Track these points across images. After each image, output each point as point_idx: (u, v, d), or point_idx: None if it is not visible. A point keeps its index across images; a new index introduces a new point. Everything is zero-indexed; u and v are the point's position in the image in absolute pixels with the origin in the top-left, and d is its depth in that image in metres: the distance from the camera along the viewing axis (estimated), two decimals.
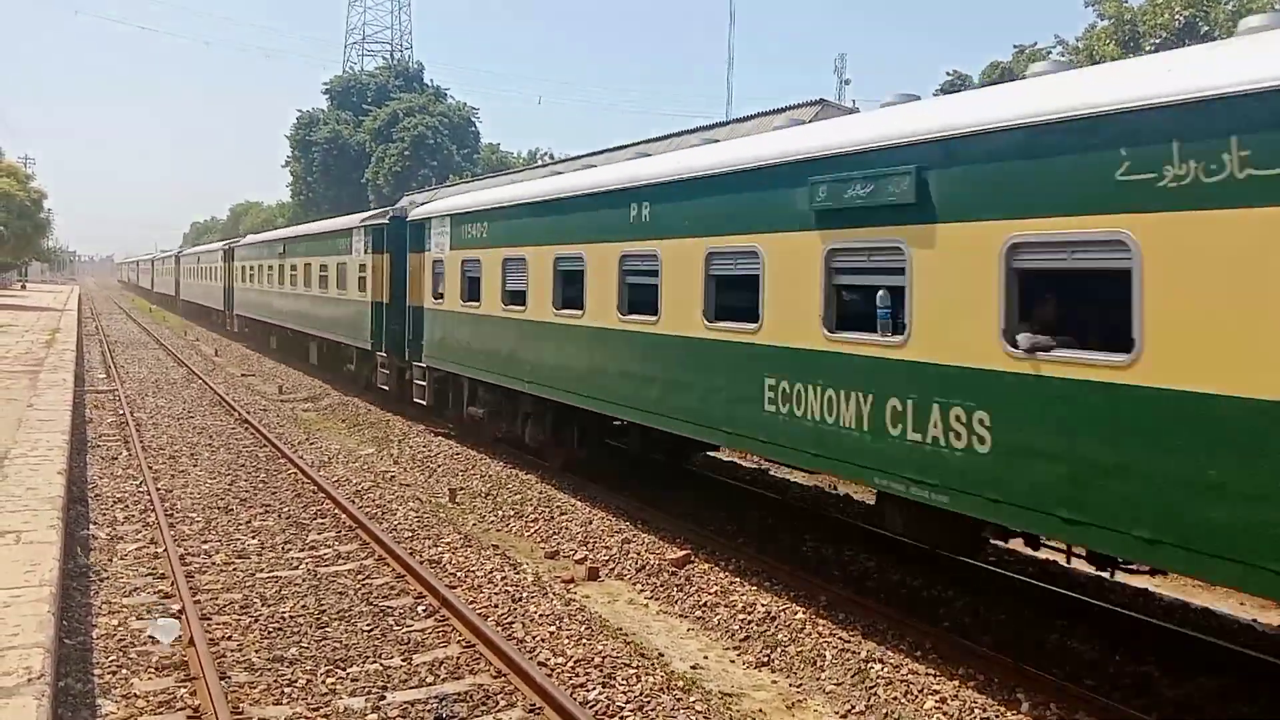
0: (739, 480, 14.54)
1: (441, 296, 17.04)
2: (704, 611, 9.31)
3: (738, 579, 9.91)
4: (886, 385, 7.71)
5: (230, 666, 7.65)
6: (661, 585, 10.07)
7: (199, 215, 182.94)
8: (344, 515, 12.31)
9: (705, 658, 8.34)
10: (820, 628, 8.60)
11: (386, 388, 20.89)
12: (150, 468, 14.89)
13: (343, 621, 8.70)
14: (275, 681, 7.40)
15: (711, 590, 9.69)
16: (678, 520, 11.91)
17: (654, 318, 10.88)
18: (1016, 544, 8.90)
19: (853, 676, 7.75)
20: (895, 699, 7.37)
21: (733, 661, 8.29)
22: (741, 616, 9.03)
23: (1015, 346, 6.68)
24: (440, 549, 11.04)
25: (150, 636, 7.02)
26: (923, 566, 9.88)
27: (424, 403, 18.26)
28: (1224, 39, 7.63)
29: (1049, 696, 7.22)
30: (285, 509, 12.76)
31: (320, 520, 12.27)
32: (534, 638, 8.40)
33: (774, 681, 7.88)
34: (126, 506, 12.66)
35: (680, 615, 9.37)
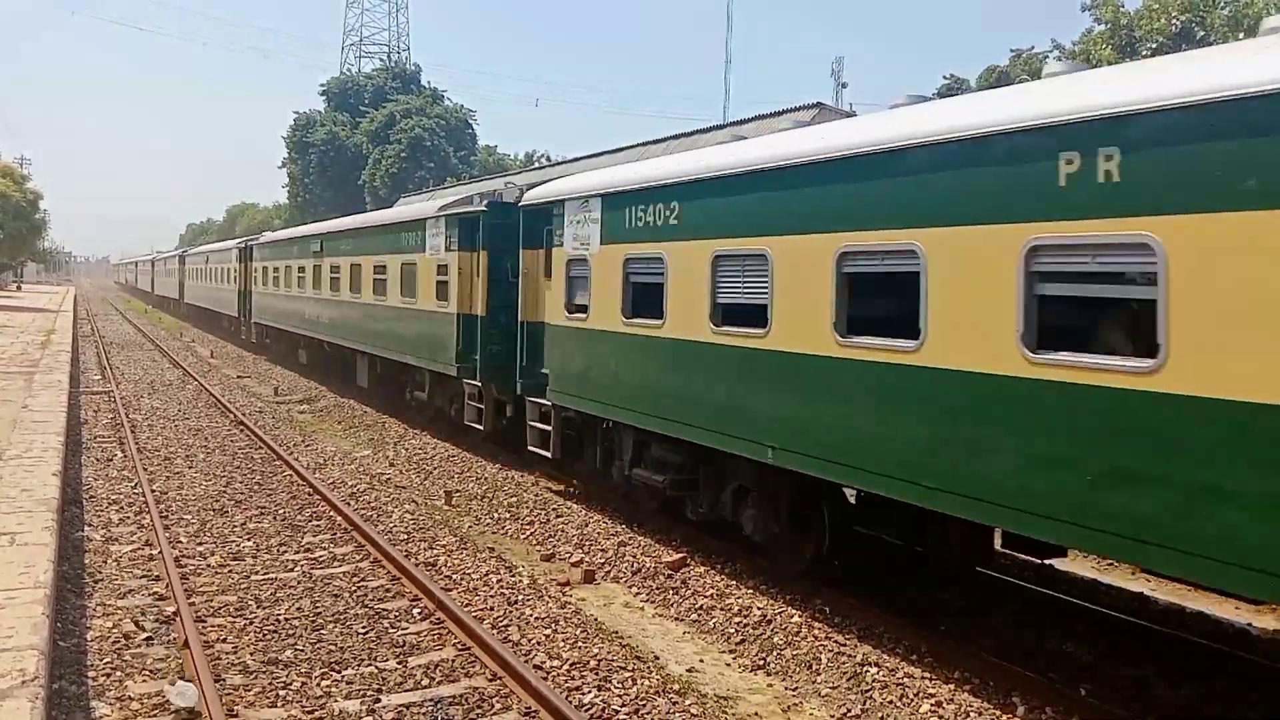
0: None
1: (583, 310, 12.25)
2: (700, 615, 9.30)
3: (733, 582, 9.91)
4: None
5: (225, 669, 7.63)
6: (657, 588, 10.06)
7: (195, 217, 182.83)
8: (339, 517, 12.29)
9: (701, 661, 8.33)
10: (816, 631, 8.60)
11: (479, 426, 16.17)
12: (145, 469, 14.86)
13: (338, 624, 8.68)
14: (270, 684, 7.38)
15: (707, 593, 9.68)
16: (674, 523, 11.90)
17: (1142, 362, 6.07)
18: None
19: (848, 680, 7.74)
20: (891, 702, 7.36)
21: (728, 665, 8.29)
22: (737, 620, 9.02)
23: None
24: (436, 551, 11.03)
25: (168, 700, 7.02)
26: (919, 569, 9.87)
27: (544, 453, 13.54)
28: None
29: (1045, 700, 7.22)
30: (280, 511, 12.73)
31: (315, 522, 12.25)
32: (529, 640, 8.39)
33: (770, 685, 7.87)
34: (121, 508, 12.62)
35: (676, 618, 9.36)
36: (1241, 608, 9.28)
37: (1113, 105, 6.17)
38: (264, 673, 7.60)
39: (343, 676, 7.56)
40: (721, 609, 9.29)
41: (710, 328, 9.79)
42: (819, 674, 7.92)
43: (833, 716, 7.31)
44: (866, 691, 7.54)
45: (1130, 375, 6.04)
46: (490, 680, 7.55)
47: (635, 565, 10.66)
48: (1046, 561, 9.04)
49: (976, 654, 7.97)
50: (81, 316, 54.36)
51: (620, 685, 7.48)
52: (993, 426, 7.02)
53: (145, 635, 8.29)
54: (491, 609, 9.17)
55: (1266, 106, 5.40)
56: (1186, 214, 5.72)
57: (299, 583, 9.81)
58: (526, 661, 7.79)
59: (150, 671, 7.61)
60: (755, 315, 9.22)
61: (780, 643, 8.48)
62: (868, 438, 8.08)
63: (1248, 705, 7.22)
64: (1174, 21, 28.27)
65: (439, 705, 7.10)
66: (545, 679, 7.46)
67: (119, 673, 7.54)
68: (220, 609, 8.98)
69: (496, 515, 13.07)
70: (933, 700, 7.32)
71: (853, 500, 9.67)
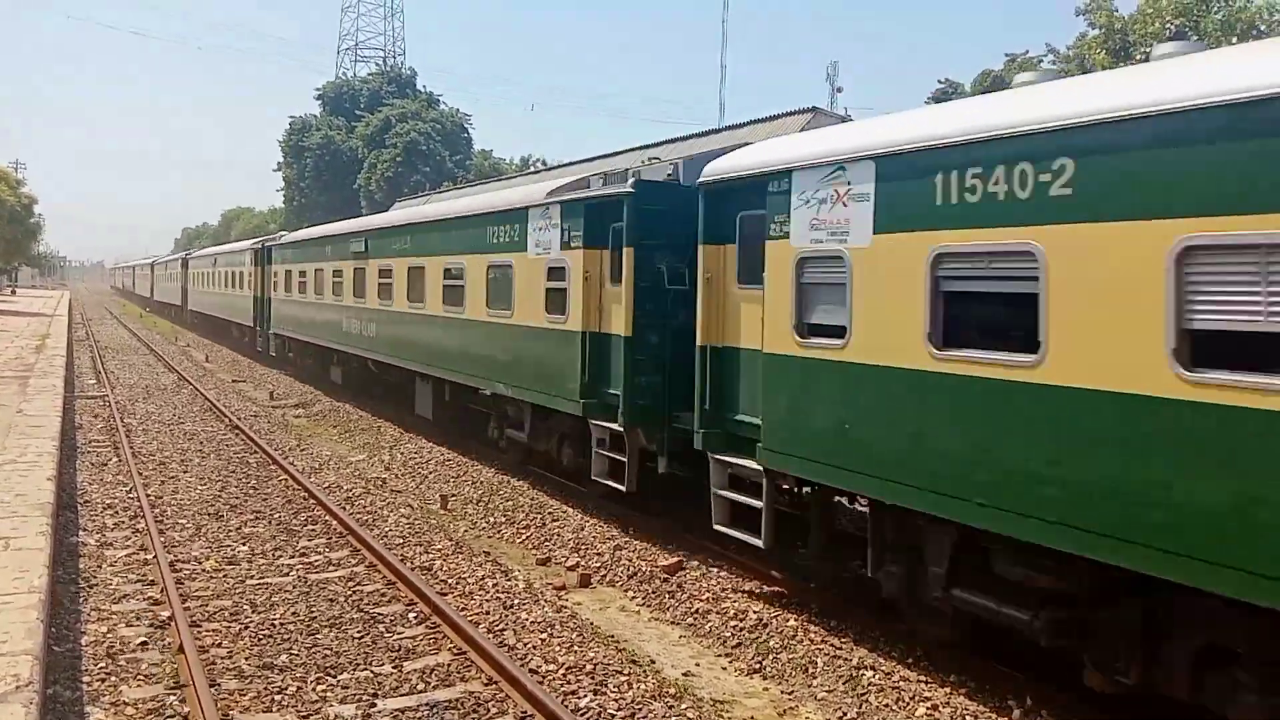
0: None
1: (832, 333, 8.42)
2: (696, 618, 9.30)
3: (729, 586, 9.91)
4: None
5: (220, 674, 7.62)
6: (653, 592, 10.05)
7: (190, 221, 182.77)
8: (335, 522, 12.27)
9: (697, 665, 8.32)
10: (812, 634, 8.60)
11: (614, 484, 11.97)
12: (140, 474, 14.83)
13: (333, 628, 8.67)
14: (265, 689, 7.37)
15: (703, 597, 9.68)
16: (670, 527, 11.89)
17: None
18: None
19: (844, 683, 7.74)
20: (886, 706, 7.37)
21: (724, 669, 8.28)
22: (733, 623, 9.02)
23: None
24: (431, 556, 11.02)
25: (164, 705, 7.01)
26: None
27: (746, 537, 9.52)
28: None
29: (1040, 704, 7.23)
30: (276, 515, 12.71)
31: (311, 527, 12.23)
32: (525, 645, 8.38)
33: (766, 689, 7.87)
34: (116, 513, 12.60)
35: (672, 622, 9.36)
36: None
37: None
38: (259, 677, 7.58)
39: (338, 681, 7.55)
40: (718, 612, 9.28)
41: (1171, 372, 5.74)
42: (815, 677, 7.92)
43: None
44: (863, 695, 7.54)
45: None
46: (486, 685, 7.54)
47: (631, 569, 10.66)
48: None
49: (973, 657, 7.97)
50: (76, 321, 54.28)
51: (616, 689, 7.48)
52: None
53: (140, 640, 8.27)
54: (487, 613, 9.16)
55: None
56: None
57: (294, 587, 9.79)
58: (522, 666, 7.79)
59: (145, 676, 7.60)
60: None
61: (776, 646, 8.48)
62: None
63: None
64: (1168, 26, 28.38)
65: (435, 710, 7.09)
66: (541, 683, 7.45)
67: (114, 678, 7.52)
68: (215, 614, 8.96)
69: (492, 519, 13.06)
70: (929, 704, 7.32)
71: None
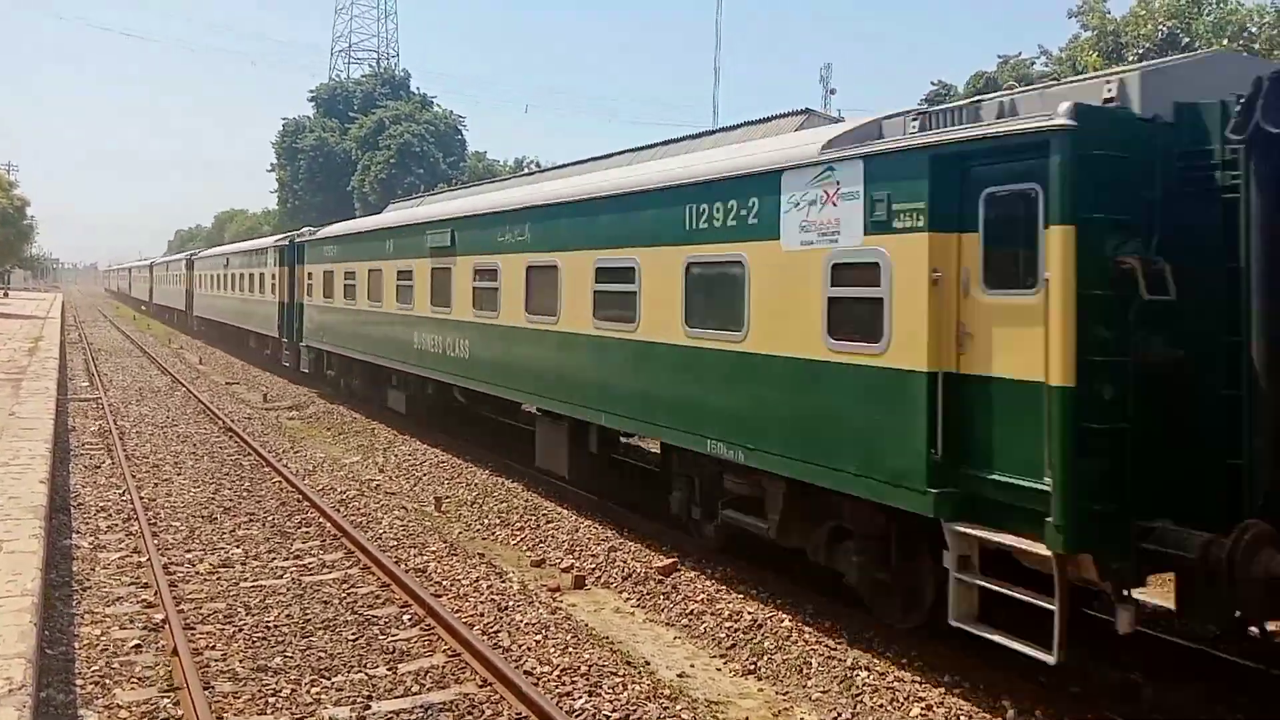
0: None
1: None
2: (690, 620, 9.30)
3: (724, 587, 9.91)
4: None
5: (214, 676, 7.61)
6: (648, 593, 10.06)
7: (183, 223, 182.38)
8: (329, 524, 12.26)
9: (691, 666, 8.33)
10: (806, 635, 8.61)
11: (1020, 645, 6.82)
12: (133, 476, 14.80)
13: (328, 631, 8.66)
14: (259, 691, 7.36)
15: (698, 598, 9.68)
16: (664, 528, 11.90)
17: None
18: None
19: (839, 684, 7.76)
20: (881, 706, 7.38)
21: (719, 670, 8.29)
22: (728, 624, 9.03)
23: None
24: (426, 557, 11.01)
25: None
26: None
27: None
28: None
29: (1034, 703, 7.25)
30: (269, 518, 12.69)
31: (305, 529, 12.21)
32: (520, 646, 8.38)
33: (760, 689, 7.88)
34: (109, 515, 12.57)
35: (667, 623, 9.36)
36: None
37: None
38: (253, 680, 7.58)
39: (332, 683, 7.54)
40: (712, 614, 9.29)
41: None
42: (809, 678, 7.93)
43: None
44: (857, 696, 7.56)
45: None
46: (480, 687, 7.54)
47: (626, 570, 10.66)
48: None
49: (967, 658, 7.99)
50: (69, 324, 54.12)
51: (611, 691, 7.48)
52: None
53: (134, 643, 8.26)
54: (482, 615, 9.16)
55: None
56: None
57: (288, 589, 9.78)
58: (517, 667, 7.79)
59: (139, 679, 7.59)
60: None
61: (771, 647, 8.49)
62: None
63: (1236, 708, 7.25)
64: (1160, 28, 28.47)
65: (429, 712, 7.09)
66: (536, 685, 7.45)
67: (107, 680, 7.52)
68: (209, 616, 8.95)
69: (486, 521, 13.05)
70: (923, 704, 7.34)
71: None
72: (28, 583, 7.91)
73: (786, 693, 7.78)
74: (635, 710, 7.17)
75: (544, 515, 12.88)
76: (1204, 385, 6.73)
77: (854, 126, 8.92)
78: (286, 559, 10.91)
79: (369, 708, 7.14)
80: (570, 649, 8.29)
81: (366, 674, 7.74)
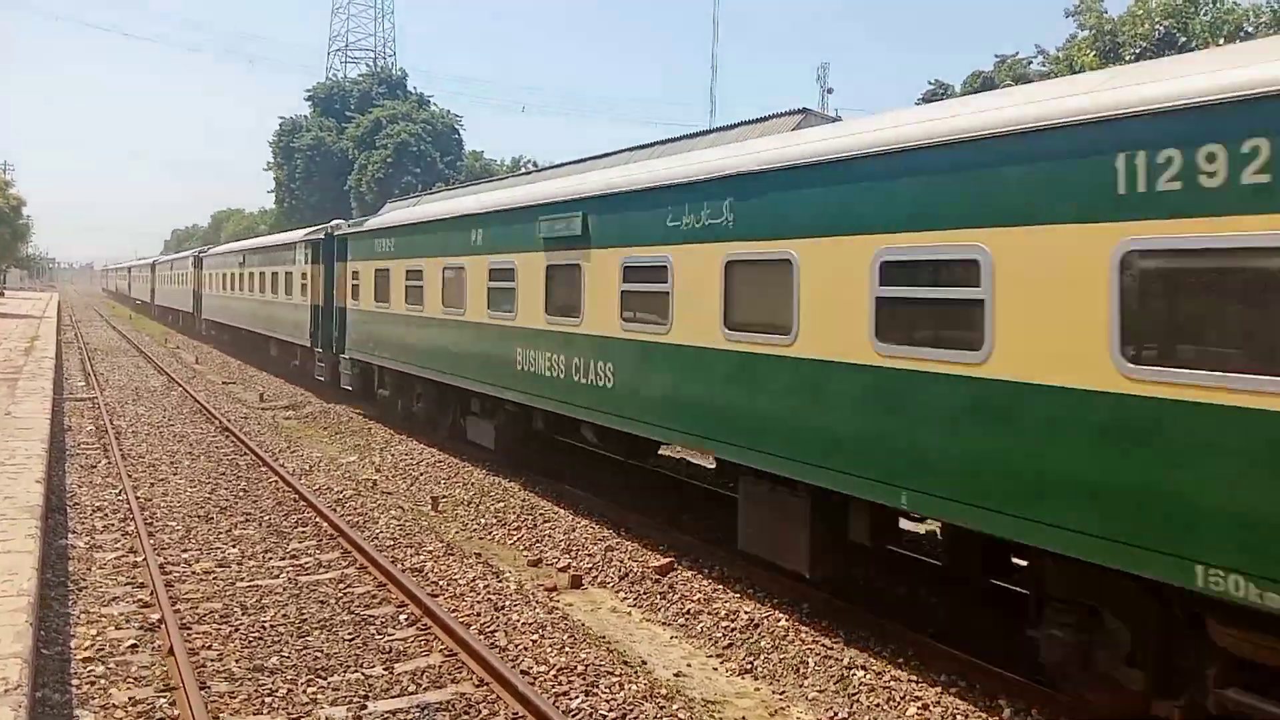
0: (721, 487, 14.41)
1: None
2: (687, 619, 9.31)
3: (721, 586, 9.92)
4: None
5: (210, 676, 7.60)
6: (645, 593, 10.06)
7: (179, 223, 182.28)
8: (325, 524, 12.25)
9: (688, 665, 8.33)
10: (803, 635, 8.62)
11: None
12: (130, 476, 14.78)
13: (324, 630, 8.65)
14: (256, 691, 7.35)
15: (695, 598, 9.69)
16: (661, 527, 11.90)
17: None
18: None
19: (835, 684, 7.76)
20: (877, 705, 7.39)
21: (716, 669, 8.29)
22: (725, 624, 9.03)
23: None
24: (422, 557, 11.00)
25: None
26: (907, 573, 9.90)
27: None
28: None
29: (1031, 702, 7.26)
30: (266, 517, 12.68)
31: (301, 529, 12.20)
32: (516, 646, 8.38)
33: (757, 688, 7.89)
34: (105, 515, 12.55)
35: (663, 623, 9.36)
36: None
37: None
38: (249, 680, 7.57)
39: (329, 683, 7.54)
40: (709, 613, 9.29)
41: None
42: (806, 677, 7.93)
43: None
44: (854, 695, 7.56)
45: None
46: (477, 686, 7.54)
47: (622, 570, 10.66)
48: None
49: (963, 657, 7.99)
50: (66, 323, 54.05)
51: (607, 690, 7.48)
52: None
53: (130, 643, 8.24)
54: (478, 615, 9.16)
55: None
56: None
57: (285, 589, 9.77)
58: (513, 667, 7.78)
59: (135, 679, 7.58)
60: None
61: (767, 646, 8.49)
62: None
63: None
64: (1157, 27, 28.51)
65: (426, 711, 7.08)
66: (532, 684, 7.45)
67: (103, 681, 7.50)
68: (205, 616, 8.94)
69: (483, 521, 13.05)
70: (919, 703, 7.34)
71: None
72: (24, 582, 7.90)
73: (783, 692, 7.79)
74: (632, 710, 7.16)
75: (541, 515, 12.88)
76: None
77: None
78: (283, 559, 10.90)
79: (365, 707, 7.13)
80: (567, 648, 8.29)
81: (363, 674, 7.74)
